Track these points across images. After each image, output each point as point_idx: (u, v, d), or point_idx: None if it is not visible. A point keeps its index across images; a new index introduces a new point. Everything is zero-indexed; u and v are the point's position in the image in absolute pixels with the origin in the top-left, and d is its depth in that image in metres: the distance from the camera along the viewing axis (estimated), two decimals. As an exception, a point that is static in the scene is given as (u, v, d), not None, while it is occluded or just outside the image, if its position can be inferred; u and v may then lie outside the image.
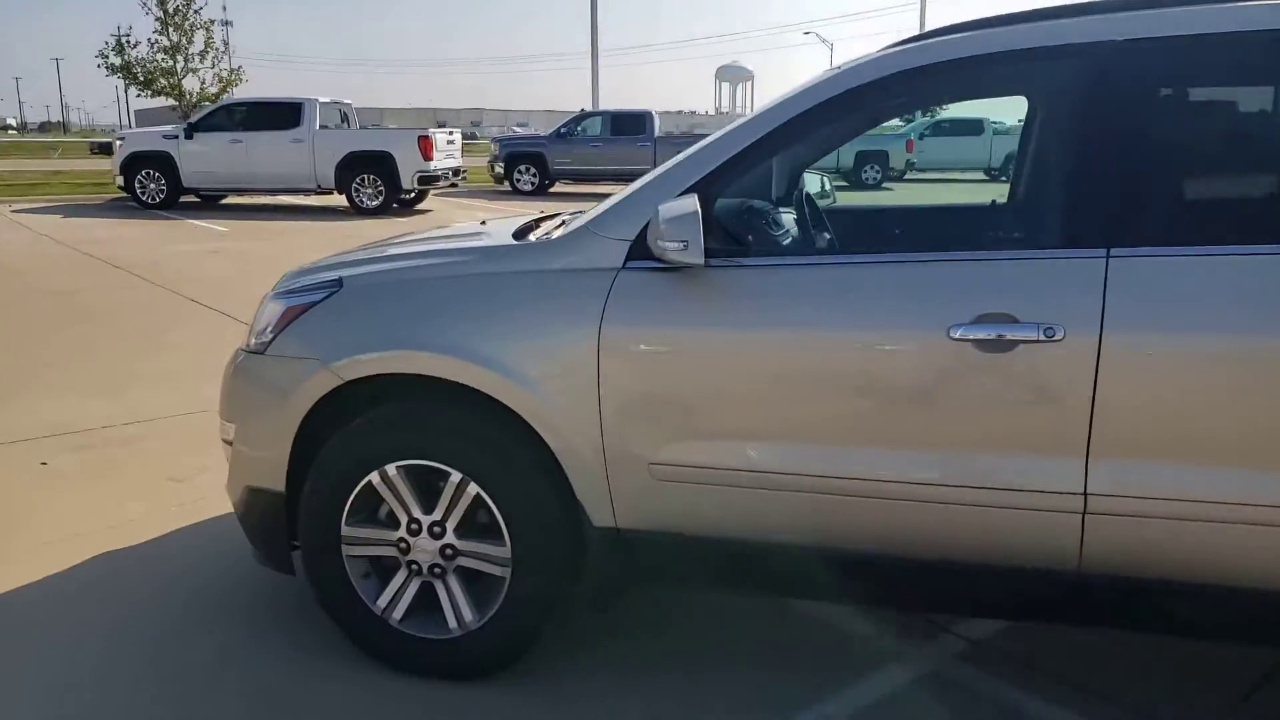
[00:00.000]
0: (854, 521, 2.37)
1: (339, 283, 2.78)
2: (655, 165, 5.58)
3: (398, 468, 2.64)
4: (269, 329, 2.83)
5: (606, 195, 2.87)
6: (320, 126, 17.09)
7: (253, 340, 2.89)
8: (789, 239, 2.95)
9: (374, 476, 2.66)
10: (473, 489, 2.59)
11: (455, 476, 2.60)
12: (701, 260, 2.25)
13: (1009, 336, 2.17)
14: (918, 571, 2.39)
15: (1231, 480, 2.12)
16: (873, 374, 2.29)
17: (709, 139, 2.56)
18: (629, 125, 21.88)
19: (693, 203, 2.25)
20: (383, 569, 2.80)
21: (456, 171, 18.01)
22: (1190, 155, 2.30)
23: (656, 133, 21.86)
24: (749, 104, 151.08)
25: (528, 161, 22.13)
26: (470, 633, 2.69)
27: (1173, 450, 2.14)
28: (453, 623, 2.70)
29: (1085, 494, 2.20)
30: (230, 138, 17.01)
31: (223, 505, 3.54)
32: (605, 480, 2.51)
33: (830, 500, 2.36)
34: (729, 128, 2.53)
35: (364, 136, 17.78)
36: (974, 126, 22.47)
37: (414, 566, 2.71)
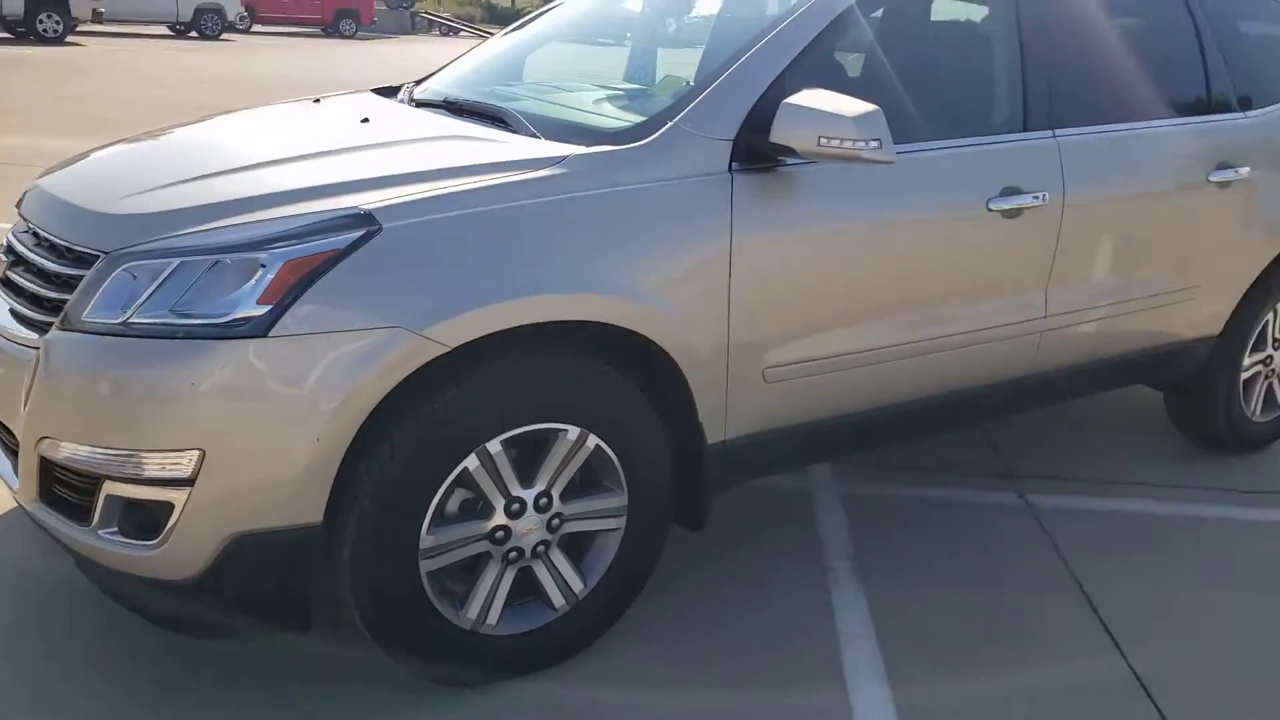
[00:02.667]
0: (934, 373, 2.72)
1: (366, 219, 1.95)
2: None
3: (503, 441, 2.09)
4: (247, 298, 1.86)
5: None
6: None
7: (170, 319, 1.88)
8: None
9: (470, 461, 2.06)
10: (591, 442, 2.20)
11: (572, 433, 2.16)
12: (894, 157, 2.23)
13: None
14: (966, 398, 2.88)
15: (1118, 288, 3.05)
16: (946, 244, 2.66)
17: (769, 39, 2.42)
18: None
19: (871, 105, 2.20)
20: (457, 576, 2.19)
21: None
22: (1078, 53, 3.00)
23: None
24: None
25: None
26: (578, 603, 2.32)
27: (1088, 276, 2.94)
28: (559, 600, 2.28)
29: (1045, 315, 2.89)
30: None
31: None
32: (725, 394, 2.37)
33: (917, 362, 2.65)
34: (781, 28, 2.44)
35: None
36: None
37: (512, 555, 2.19)
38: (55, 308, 2.06)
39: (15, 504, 2.22)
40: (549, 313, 2.08)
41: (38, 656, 2.30)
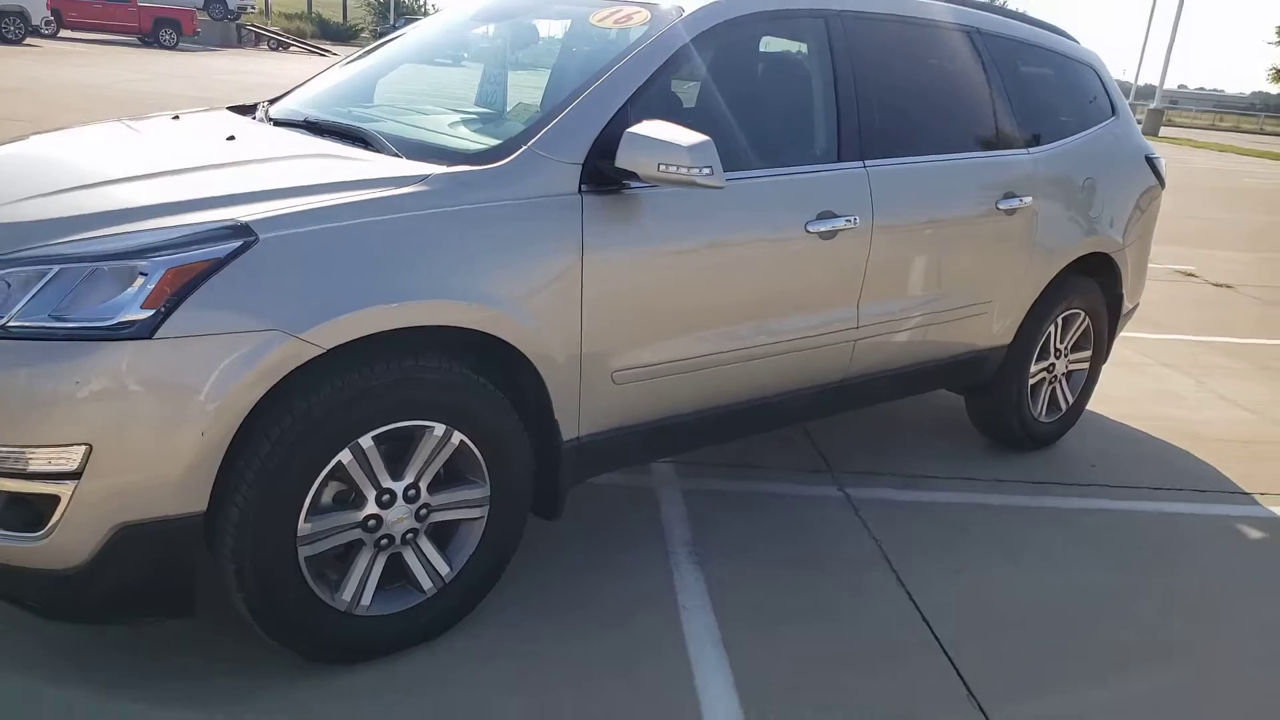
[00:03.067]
0: (762, 377, 3.05)
1: (243, 230, 2.11)
2: None
3: (374, 437, 2.28)
4: (132, 301, 1.99)
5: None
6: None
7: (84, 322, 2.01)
8: None
9: (344, 455, 2.24)
10: (456, 438, 2.41)
11: (439, 430, 2.38)
12: (724, 183, 2.53)
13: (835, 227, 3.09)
14: (790, 399, 3.22)
15: (922, 302, 3.46)
16: (771, 261, 2.97)
17: (613, 72, 2.70)
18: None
19: (703, 136, 2.49)
20: (331, 562, 2.36)
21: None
22: (886, 94, 3.39)
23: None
24: None
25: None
26: (444, 586, 2.52)
27: (895, 291, 3.34)
28: (428, 583, 2.49)
29: (858, 326, 3.27)
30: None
31: None
32: (578, 396, 2.63)
33: (747, 366, 2.97)
34: (624, 62, 2.73)
35: None
36: None
37: (383, 542, 2.38)
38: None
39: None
40: (414, 318, 2.29)
41: None
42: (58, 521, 2.04)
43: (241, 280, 2.10)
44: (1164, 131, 40.88)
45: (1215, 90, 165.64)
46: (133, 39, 31.11)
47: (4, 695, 2.27)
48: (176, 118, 3.19)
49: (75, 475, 2.02)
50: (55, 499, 2.03)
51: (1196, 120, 64.83)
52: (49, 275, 2.05)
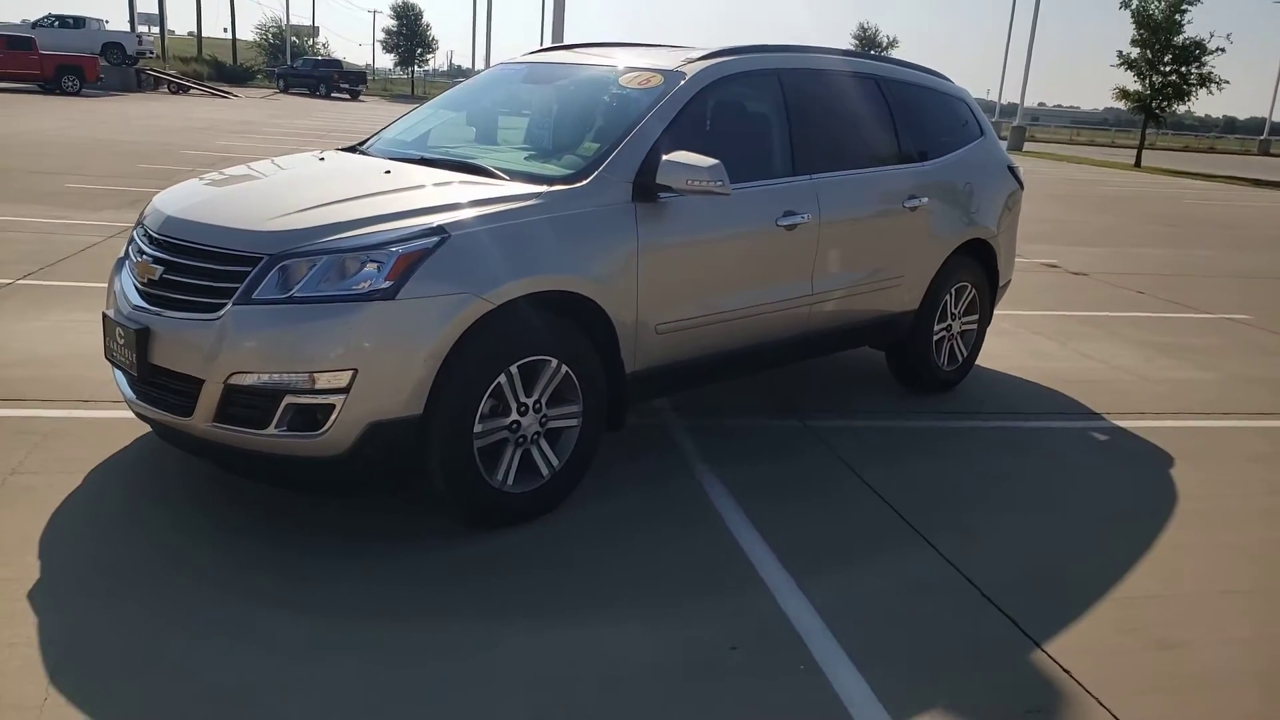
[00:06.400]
0: (753, 330, 4.27)
1: (440, 230, 3.22)
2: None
3: (518, 366, 3.40)
4: (376, 276, 3.08)
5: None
6: None
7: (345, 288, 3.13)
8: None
9: (501, 378, 3.37)
10: (563, 370, 3.55)
11: (554, 363, 3.51)
12: (731, 191, 3.71)
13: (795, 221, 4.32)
14: (771, 346, 4.45)
15: (854, 277, 4.73)
16: (756, 247, 4.22)
17: (647, 119, 3.89)
18: None
19: (715, 159, 3.67)
20: (488, 454, 3.45)
21: None
22: (822, 127, 4.64)
23: None
24: None
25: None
26: (555, 473, 3.63)
27: (837, 268, 4.59)
28: (545, 470, 3.61)
29: (812, 294, 4.50)
30: None
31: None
32: (635, 342, 3.78)
33: (742, 322, 4.18)
34: (654, 111, 3.92)
35: None
36: None
37: (520, 440, 3.49)
38: (221, 293, 3.18)
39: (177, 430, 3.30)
40: (551, 285, 3.46)
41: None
42: (332, 422, 3.11)
43: (444, 262, 3.22)
44: (1027, 147, 44.09)
45: (1073, 107, 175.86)
46: (33, 86, 31.14)
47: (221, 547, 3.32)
48: (322, 159, 4.29)
49: (345, 390, 3.10)
50: (331, 407, 3.11)
51: (1056, 135, 69.52)
52: (318, 263, 3.13)
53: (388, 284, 3.13)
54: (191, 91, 39.76)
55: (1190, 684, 2.94)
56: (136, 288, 3.48)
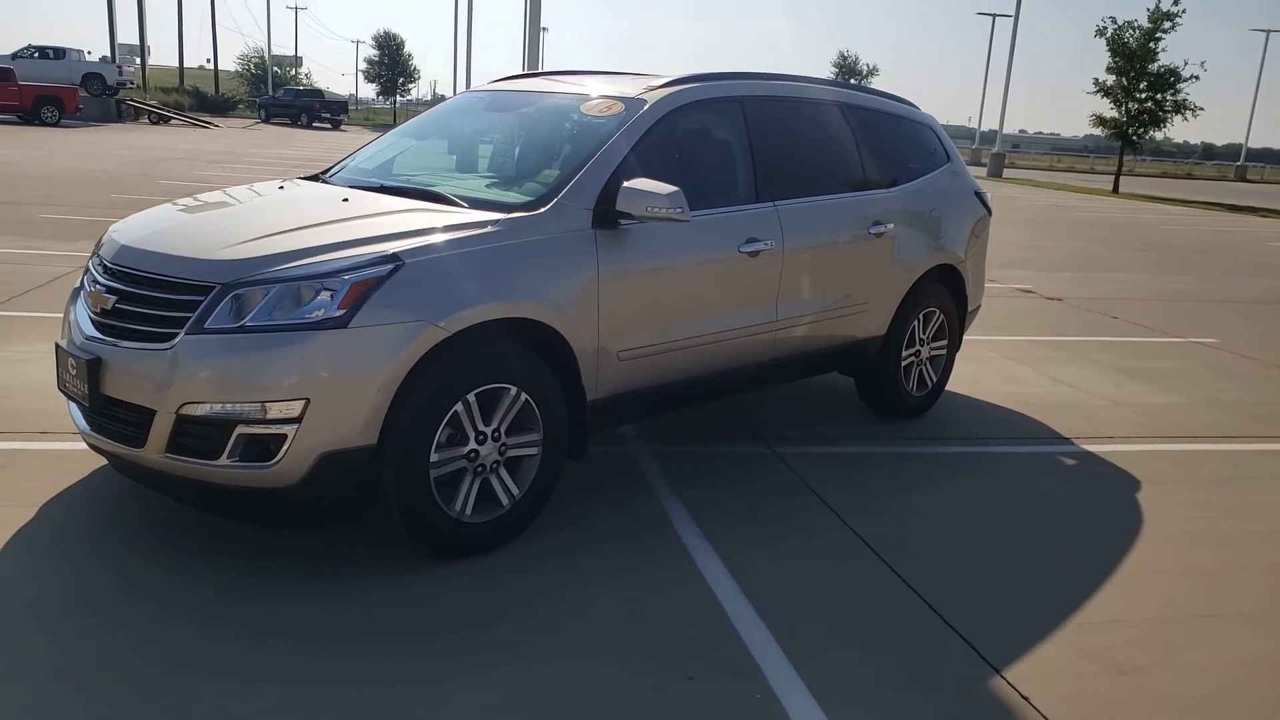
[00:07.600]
0: (716, 357, 4.25)
1: (394, 258, 3.20)
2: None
3: (476, 394, 3.37)
4: (329, 305, 3.06)
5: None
6: None
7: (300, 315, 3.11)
8: None
9: (459, 406, 3.34)
10: (523, 397, 3.52)
11: (513, 390, 3.49)
12: (691, 218, 3.71)
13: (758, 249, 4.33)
14: (736, 373, 4.44)
15: (820, 303, 4.72)
16: (718, 273, 4.21)
17: (607, 146, 3.89)
18: None
19: (674, 186, 3.67)
20: (445, 484, 3.41)
21: None
22: (786, 153, 4.66)
23: None
24: None
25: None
26: (515, 503, 3.60)
27: (802, 295, 4.59)
28: (505, 500, 3.57)
29: (777, 320, 4.50)
30: None
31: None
32: (596, 369, 3.76)
33: (706, 349, 4.17)
34: (614, 139, 3.92)
35: None
36: None
37: (478, 469, 3.45)
38: (174, 322, 3.15)
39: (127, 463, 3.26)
40: (508, 312, 3.44)
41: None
42: (284, 453, 3.08)
43: (397, 290, 3.20)
44: (1007, 173, 44.47)
45: (1052, 134, 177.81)
46: (12, 117, 31.11)
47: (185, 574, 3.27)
48: (281, 187, 4.27)
49: (297, 420, 3.07)
50: (283, 437, 3.08)
51: (1036, 162, 70.17)
52: (270, 292, 3.11)
53: (340, 312, 3.11)
54: (172, 122, 39.82)
55: (1144, 710, 2.92)
56: (90, 318, 3.45)
